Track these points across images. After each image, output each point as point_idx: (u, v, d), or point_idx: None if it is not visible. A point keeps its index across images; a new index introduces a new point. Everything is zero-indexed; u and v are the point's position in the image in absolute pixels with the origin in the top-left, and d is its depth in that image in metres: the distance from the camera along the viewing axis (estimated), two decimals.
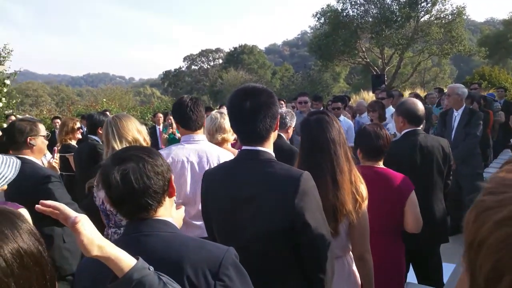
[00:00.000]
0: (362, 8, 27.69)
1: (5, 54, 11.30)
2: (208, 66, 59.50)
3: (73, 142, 4.68)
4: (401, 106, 3.22)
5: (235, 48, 53.45)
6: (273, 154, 1.72)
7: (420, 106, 3.14)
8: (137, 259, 1.07)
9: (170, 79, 59.32)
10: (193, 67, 60.30)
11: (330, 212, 1.87)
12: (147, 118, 15.10)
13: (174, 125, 6.43)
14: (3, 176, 1.80)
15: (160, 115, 9.17)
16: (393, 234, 2.49)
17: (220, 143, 3.15)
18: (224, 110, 3.36)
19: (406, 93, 12.46)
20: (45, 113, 17.53)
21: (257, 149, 1.67)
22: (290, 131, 3.69)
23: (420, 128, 3.18)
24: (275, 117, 1.69)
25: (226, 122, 3.18)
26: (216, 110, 3.37)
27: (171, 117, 8.12)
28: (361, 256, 2.02)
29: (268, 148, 1.71)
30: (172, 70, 60.97)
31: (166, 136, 7.87)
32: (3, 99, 11.46)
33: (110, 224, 2.54)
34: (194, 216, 2.58)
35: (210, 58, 60.65)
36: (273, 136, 1.73)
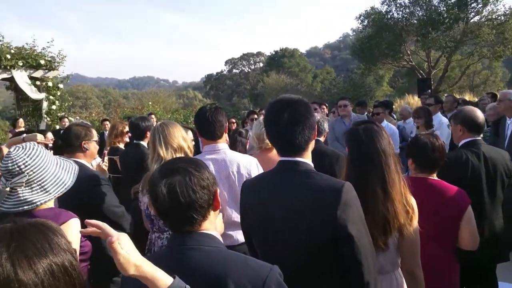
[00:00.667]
0: (408, 10, 26.83)
1: (59, 59, 11.91)
2: (249, 70, 60.00)
3: (121, 145, 4.84)
4: (459, 114, 3.05)
5: (276, 52, 53.46)
6: (312, 165, 1.70)
7: (479, 113, 2.98)
8: (174, 277, 1.08)
9: (212, 82, 60.37)
10: (234, 70, 61.04)
11: (380, 225, 1.81)
12: (189, 121, 15.42)
13: None
14: (63, 182, 1.86)
15: None
16: (447, 250, 2.36)
17: (269, 149, 3.17)
18: None
19: None
20: (94, 115, 18.39)
21: (296, 160, 1.66)
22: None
23: (480, 137, 3.00)
24: (313, 128, 1.69)
25: None
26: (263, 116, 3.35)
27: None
28: (411, 272, 1.93)
29: (307, 159, 1.69)
30: (214, 73, 62.05)
31: None
32: (57, 102, 12.12)
33: (154, 229, 2.59)
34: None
35: (251, 61, 61.13)
36: (311, 146, 1.72)
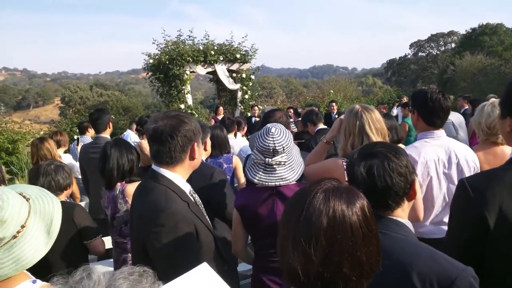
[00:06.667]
0: None
1: (251, 53, 13.16)
2: (438, 52, 54.41)
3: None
4: None
5: (473, 29, 46.70)
6: None
7: None
8: None
9: (394, 67, 57.19)
10: (420, 54, 56.33)
11: None
12: None
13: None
14: (301, 163, 2.06)
15: (386, 106, 8.99)
16: None
17: (495, 143, 2.69)
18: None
19: None
20: (278, 103, 19.74)
21: None
22: None
23: None
24: None
25: None
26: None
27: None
28: None
29: None
30: (397, 58, 58.60)
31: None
32: (249, 92, 13.48)
33: None
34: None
35: (441, 43, 55.20)
36: None
